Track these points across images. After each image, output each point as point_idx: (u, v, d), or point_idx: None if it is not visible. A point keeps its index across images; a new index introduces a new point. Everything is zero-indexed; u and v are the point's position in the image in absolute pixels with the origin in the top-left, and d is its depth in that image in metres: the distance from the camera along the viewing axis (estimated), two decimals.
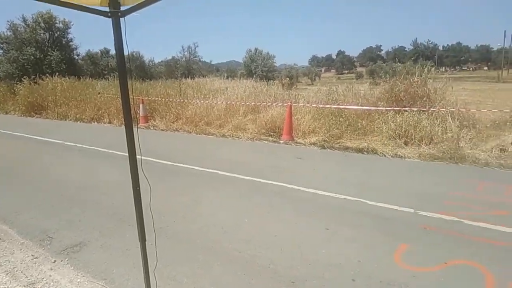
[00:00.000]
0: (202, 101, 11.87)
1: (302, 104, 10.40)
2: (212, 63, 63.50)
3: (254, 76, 36.15)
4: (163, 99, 12.90)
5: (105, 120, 13.57)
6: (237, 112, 11.09)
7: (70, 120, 14.49)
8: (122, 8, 1.98)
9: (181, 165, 7.03)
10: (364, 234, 3.96)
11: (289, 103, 9.50)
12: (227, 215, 4.53)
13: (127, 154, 2.18)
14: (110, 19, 1.96)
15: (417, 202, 4.82)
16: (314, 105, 10.07)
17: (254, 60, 44.70)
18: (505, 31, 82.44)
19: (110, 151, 8.39)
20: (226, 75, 32.38)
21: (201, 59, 52.51)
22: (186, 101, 12.33)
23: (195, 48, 50.01)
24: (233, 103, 11.46)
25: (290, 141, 9.11)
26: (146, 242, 2.41)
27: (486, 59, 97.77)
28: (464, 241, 3.75)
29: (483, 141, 7.54)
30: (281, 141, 9.24)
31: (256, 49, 46.13)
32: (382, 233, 3.97)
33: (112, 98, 14.07)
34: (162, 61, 50.20)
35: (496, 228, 4.04)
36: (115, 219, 4.44)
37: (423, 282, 3.01)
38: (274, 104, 10.68)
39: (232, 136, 10.06)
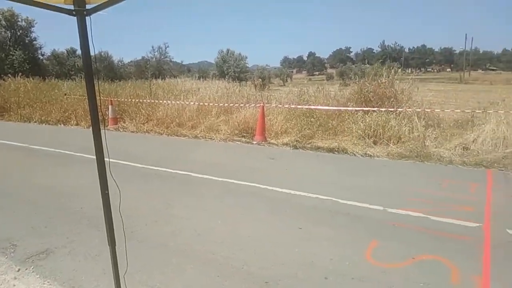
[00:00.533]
0: (173, 102, 11.71)
1: (274, 105, 10.48)
2: (184, 63, 62.74)
3: (227, 77, 36.03)
4: (133, 100, 12.62)
5: (72, 122, 13.11)
6: (210, 113, 11.02)
7: (35, 122, 13.89)
8: (88, 7, 1.92)
9: (152, 167, 6.90)
10: (336, 232, 4.04)
11: (262, 104, 9.54)
12: (200, 218, 4.48)
13: (95, 157, 2.12)
14: (75, 17, 1.90)
15: (386, 200, 4.96)
16: (286, 106, 10.17)
17: (226, 61, 44.64)
18: (466, 35, 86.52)
19: (77, 154, 8.11)
20: (197, 75, 32.13)
21: (172, 60, 51.97)
22: (156, 102, 12.13)
23: (165, 48, 49.40)
24: (205, 104, 11.38)
25: (263, 142, 9.15)
26: (117, 247, 2.35)
27: (449, 61, 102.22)
28: (431, 237, 3.90)
29: (447, 140, 7.87)
30: (254, 142, 9.26)
31: (228, 50, 46.14)
32: (354, 231, 4.06)
33: (79, 100, 13.62)
34: (131, 61, 49.30)
35: (461, 223, 4.22)
36: (84, 224, 4.29)
37: (392, 278, 3.09)
38: (247, 105, 10.70)
39: (205, 137, 9.98)
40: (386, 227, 4.17)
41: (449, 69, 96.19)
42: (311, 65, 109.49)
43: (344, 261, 3.37)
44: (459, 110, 9.43)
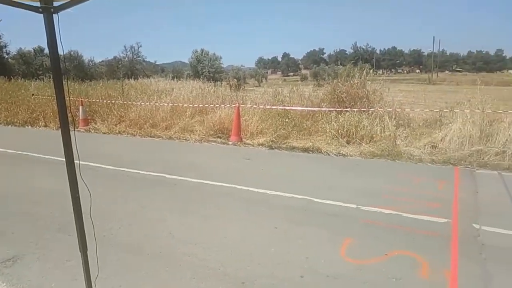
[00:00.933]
0: (146, 103, 11.50)
1: (249, 106, 10.49)
2: (157, 63, 61.67)
3: (201, 77, 35.78)
4: (105, 101, 12.30)
5: (40, 123, 12.62)
6: (184, 113, 10.90)
7: (0, 124, 13.29)
8: (55, 4, 1.85)
9: (125, 169, 6.75)
10: (312, 231, 4.09)
11: (237, 105, 9.53)
12: (175, 220, 4.43)
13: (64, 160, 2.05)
14: (42, 15, 1.83)
15: (359, 198, 5.06)
16: (262, 107, 10.21)
17: (200, 61, 44.27)
18: (434, 37, 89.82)
19: (46, 156, 7.82)
20: (171, 75, 31.71)
21: (145, 59, 51.12)
22: (129, 102, 11.87)
23: (138, 47, 48.54)
24: (179, 104, 11.25)
25: (239, 142, 9.14)
26: (89, 252, 2.29)
27: (418, 62, 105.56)
28: (402, 233, 4.01)
29: (417, 139, 8.13)
30: (230, 142, 9.24)
31: (202, 50, 45.76)
32: (328, 229, 4.12)
33: (48, 100, 13.12)
34: (103, 61, 48.09)
35: (431, 219, 4.37)
36: (54, 230, 4.14)
37: (366, 274, 3.17)
38: (222, 105, 10.66)
39: (179, 138, 9.86)
40: (359, 224, 4.26)
41: (418, 70, 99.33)
42: (286, 66, 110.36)
43: (319, 259, 3.42)
44: (428, 110, 9.76)
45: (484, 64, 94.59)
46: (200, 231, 4.09)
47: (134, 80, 24.47)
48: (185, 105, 11.16)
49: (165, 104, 11.29)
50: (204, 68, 43.14)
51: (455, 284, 3.01)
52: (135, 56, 48.50)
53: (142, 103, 11.50)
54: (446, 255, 3.50)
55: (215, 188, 5.64)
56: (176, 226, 4.21)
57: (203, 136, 9.75)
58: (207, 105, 10.95)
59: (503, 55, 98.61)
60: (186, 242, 3.81)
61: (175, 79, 25.69)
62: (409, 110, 9.77)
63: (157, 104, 11.37)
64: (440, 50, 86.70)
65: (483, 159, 6.96)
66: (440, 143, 7.76)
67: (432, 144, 7.80)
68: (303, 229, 4.12)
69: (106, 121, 11.55)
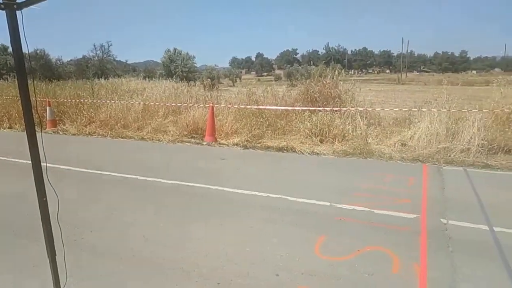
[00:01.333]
0: (117, 103, 11.23)
1: (224, 105, 10.45)
2: (128, 62, 60.44)
3: (174, 77, 35.29)
4: (74, 101, 11.92)
5: (4, 125, 12.08)
6: (157, 113, 10.73)
7: None
8: (18, 0, 1.78)
9: (96, 171, 6.56)
10: (287, 229, 4.12)
11: (211, 104, 9.47)
12: (148, 222, 4.35)
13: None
14: (4, 11, 1.75)
15: (332, 196, 5.15)
16: (236, 106, 10.19)
17: (173, 60, 43.59)
18: (402, 38, 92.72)
19: (10, 159, 7.49)
20: (143, 75, 31.09)
21: (116, 59, 49.95)
22: (99, 102, 11.56)
23: (108, 46, 47.38)
24: (151, 104, 11.06)
25: (213, 142, 9.09)
26: (58, 257, 2.21)
27: (388, 63, 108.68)
28: (374, 229, 4.11)
29: (387, 137, 8.36)
30: (204, 143, 9.17)
31: (175, 49, 45.08)
32: (302, 227, 4.17)
33: (12, 101, 12.57)
34: (71, 60, 46.60)
35: (401, 215, 4.50)
36: (20, 235, 3.97)
37: (340, 270, 3.23)
38: (196, 105, 10.56)
39: (152, 139, 9.70)
40: (333, 222, 4.34)
41: (388, 71, 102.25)
42: (260, 66, 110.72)
43: (294, 257, 3.45)
44: (397, 109, 10.05)
45: (450, 64, 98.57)
46: (175, 233, 4.03)
47: (105, 79, 23.82)
48: (157, 104, 10.98)
49: (137, 104, 11.07)
50: (177, 68, 42.52)
51: (424, 277, 3.11)
52: (105, 55, 47.30)
53: (113, 103, 11.22)
54: (416, 249, 3.62)
55: (190, 189, 5.59)
56: (150, 229, 4.14)
57: (177, 137, 9.63)
58: (180, 105, 10.82)
59: (467, 56, 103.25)
60: (160, 244, 3.75)
61: (147, 78, 25.19)
62: (379, 109, 10.04)
63: (128, 104, 11.13)
64: (409, 51, 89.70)
65: (449, 156, 7.24)
66: (409, 141, 8.01)
67: (402, 142, 8.04)
68: (278, 228, 4.15)
69: (75, 122, 11.20)
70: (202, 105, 10.47)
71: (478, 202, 4.92)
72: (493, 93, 8.94)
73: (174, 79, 26.74)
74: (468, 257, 3.46)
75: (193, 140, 9.45)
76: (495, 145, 7.28)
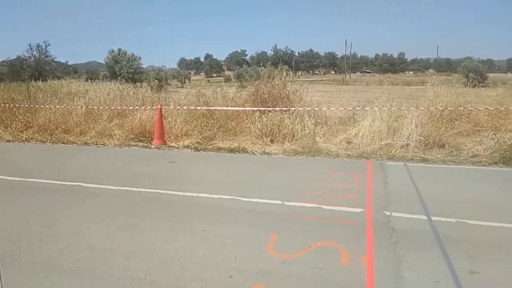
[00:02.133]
0: (57, 106, 10.54)
1: (173, 107, 10.23)
2: (69, 63, 57.08)
3: (119, 78, 33.89)
4: (7, 105, 11.00)
5: None
6: (100, 117, 10.22)
7: None
8: None
9: (34, 180, 6.11)
10: (239, 230, 4.12)
11: (159, 106, 9.22)
12: (94, 231, 4.12)
13: None
14: None
15: (284, 194, 5.24)
16: (185, 108, 10.02)
17: (118, 61, 41.87)
18: (346, 41, 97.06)
19: None
20: (85, 77, 29.52)
21: (55, 59, 46.98)
22: (37, 106, 10.78)
23: (46, 46, 44.44)
24: (94, 107, 10.52)
25: (163, 146, 8.85)
26: None
27: (333, 64, 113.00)
28: (324, 225, 4.25)
29: (334, 136, 8.68)
30: (153, 146, 8.90)
31: (119, 50, 43.35)
32: (255, 227, 4.19)
33: None
34: (4, 61, 43.01)
35: (348, 210, 4.69)
36: None
37: (292, 267, 3.29)
38: (143, 107, 10.23)
39: (97, 144, 9.23)
40: (285, 220, 4.41)
41: (333, 72, 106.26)
42: (209, 67, 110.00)
43: (247, 258, 3.46)
44: (342, 109, 10.49)
45: (389, 66, 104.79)
46: (123, 241, 3.86)
47: (43, 82, 22.25)
48: (100, 107, 10.48)
49: (79, 107, 10.48)
50: (122, 69, 40.88)
51: (371, 268, 3.27)
52: (42, 56, 44.31)
53: (53, 107, 10.52)
54: (363, 242, 3.79)
55: (138, 195, 5.39)
56: (96, 238, 3.93)
57: (123, 141, 9.25)
58: (125, 107, 10.41)
59: (405, 58, 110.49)
60: (107, 253, 3.57)
61: (90, 80, 23.94)
62: (326, 109, 10.41)
63: (69, 107, 10.49)
64: (352, 53, 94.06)
65: (391, 152, 7.68)
66: (354, 138, 8.37)
67: (347, 140, 8.39)
68: (231, 229, 4.13)
69: (9, 128, 10.32)
70: (149, 107, 10.15)
71: (417, 194, 5.26)
72: (427, 92, 9.66)
73: (119, 81, 25.67)
74: (410, 246, 3.68)
75: (140, 143, 9.14)
76: (431, 140, 7.84)
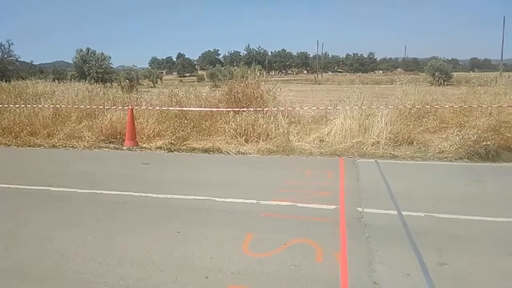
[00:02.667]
0: (22, 108, 10.11)
1: (144, 107, 10.04)
2: (34, 63, 54.79)
3: (88, 78, 32.88)
4: None
5: None
6: (69, 118, 9.88)
7: None
8: None
9: None
10: (215, 230, 4.10)
11: (130, 107, 9.02)
12: (64, 236, 3.98)
13: None
14: None
15: (259, 193, 5.25)
16: (158, 108, 9.85)
17: (86, 61, 40.58)
18: (318, 41, 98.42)
19: None
20: (52, 77, 28.46)
21: (19, 59, 44.99)
22: (0, 107, 10.28)
23: (9, 46, 42.45)
24: (62, 107, 10.16)
25: (135, 147, 8.67)
26: None
27: (305, 64, 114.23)
28: (298, 222, 4.29)
29: (307, 134, 8.79)
30: (124, 148, 8.70)
31: (88, 49, 42.04)
32: (231, 227, 4.19)
33: None
34: None
35: (322, 207, 4.76)
36: None
37: (268, 266, 3.31)
38: (113, 108, 9.97)
39: (65, 146, 8.92)
40: (260, 219, 4.43)
41: (306, 72, 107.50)
42: (181, 67, 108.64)
43: (223, 258, 3.45)
44: (315, 108, 10.63)
45: (360, 65, 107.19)
46: (95, 246, 3.76)
47: (6, 82, 21.26)
48: (69, 108, 10.13)
49: (46, 109, 10.08)
50: (91, 69, 39.66)
51: (345, 264, 3.33)
52: (5, 56, 42.32)
53: (17, 108, 10.08)
54: (337, 238, 3.86)
55: (110, 198, 5.25)
56: (66, 243, 3.80)
57: (93, 142, 8.99)
58: (95, 107, 10.11)
59: (374, 57, 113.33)
60: (78, 259, 3.46)
61: (57, 80, 23.09)
62: (299, 108, 10.51)
63: (36, 108, 10.08)
64: (324, 53, 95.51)
65: (362, 149, 7.86)
66: (327, 137, 8.51)
67: (320, 138, 8.52)
68: (206, 230, 4.10)
69: None
70: (120, 107, 9.92)
71: (388, 190, 5.42)
72: (396, 91, 9.95)
73: (88, 81, 24.90)
74: (382, 241, 3.79)
75: (111, 145, 8.91)
76: (400, 137, 8.07)
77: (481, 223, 4.27)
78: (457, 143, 7.47)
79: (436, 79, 14.38)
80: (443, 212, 4.52)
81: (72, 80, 26.51)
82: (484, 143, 7.25)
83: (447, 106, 9.12)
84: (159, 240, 3.88)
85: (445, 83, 19.74)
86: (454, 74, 39.92)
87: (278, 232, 4.02)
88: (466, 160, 7.14)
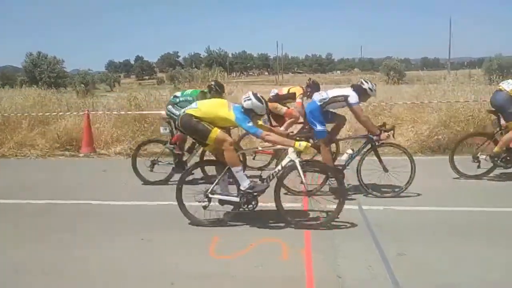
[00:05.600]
0: None
1: (101, 112, 9.68)
2: None
3: (40, 83, 31.21)
4: None
5: None
6: (19, 125, 9.33)
7: None
8: None
9: None
10: (180, 235, 4.03)
11: (86, 112, 8.68)
12: (19, 251, 3.73)
13: None
14: None
15: None
16: (116, 113, 9.54)
17: (37, 65, 38.58)
18: (277, 42, 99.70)
19: None
20: (0, 83, 26.76)
21: None
22: None
23: None
24: (11, 115, 9.56)
25: (92, 153, 8.36)
26: None
27: (266, 65, 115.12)
28: (264, 222, 4.30)
29: None
30: (81, 155, 8.36)
31: (39, 53, 40.00)
32: (197, 231, 4.13)
33: None
34: None
35: (288, 206, 4.81)
36: None
37: (235, 267, 3.30)
38: (68, 113, 9.53)
39: (16, 156, 8.43)
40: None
41: (267, 73, 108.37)
42: (140, 69, 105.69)
43: (189, 263, 3.41)
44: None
45: (319, 66, 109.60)
46: (51, 259, 3.56)
47: None
48: (18, 114, 9.54)
49: None
50: (43, 73, 37.77)
51: (310, 260, 3.39)
52: None
53: None
54: (301, 236, 3.92)
55: (68, 208, 5.01)
56: (22, 258, 3.57)
57: (47, 151, 8.57)
58: (48, 114, 9.61)
59: (332, 58, 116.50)
60: (36, 274, 3.26)
61: (6, 86, 21.73)
62: None
63: None
64: (283, 54, 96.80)
65: None
66: None
67: None
68: (172, 235, 4.02)
69: None
70: (75, 113, 9.50)
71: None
72: None
73: (40, 86, 23.64)
74: (345, 236, 3.89)
75: (67, 152, 8.54)
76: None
77: (438, 213, 4.51)
78: (411, 138, 7.84)
79: (391, 78, 15.05)
80: (400, 205, 4.75)
81: (23, 85, 25.05)
82: (436, 137, 7.67)
83: (401, 103, 9.54)
84: (122, 248, 3.75)
85: (399, 81, 20.72)
86: (407, 72, 41.83)
87: (244, 233, 4.04)
88: (419, 154, 7.50)
